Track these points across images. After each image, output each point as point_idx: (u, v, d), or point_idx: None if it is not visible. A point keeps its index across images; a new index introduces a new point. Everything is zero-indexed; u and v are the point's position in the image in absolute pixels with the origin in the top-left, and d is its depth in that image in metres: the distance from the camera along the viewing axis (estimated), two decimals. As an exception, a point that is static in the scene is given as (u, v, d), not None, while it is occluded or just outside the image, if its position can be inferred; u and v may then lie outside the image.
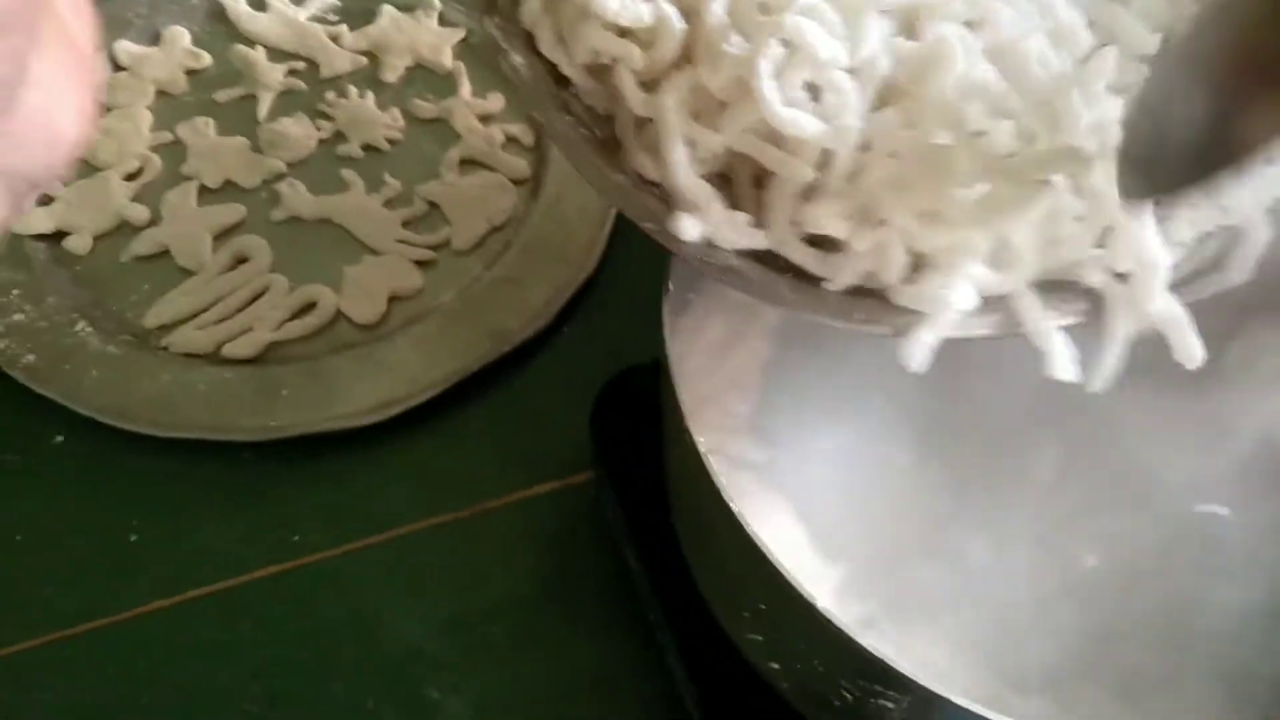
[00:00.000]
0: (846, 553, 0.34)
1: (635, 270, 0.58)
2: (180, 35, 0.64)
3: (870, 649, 0.25)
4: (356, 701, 0.46)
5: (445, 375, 0.52)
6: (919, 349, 0.27)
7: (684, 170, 0.28)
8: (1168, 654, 0.32)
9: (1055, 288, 0.28)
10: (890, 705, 0.28)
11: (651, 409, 0.44)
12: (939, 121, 0.27)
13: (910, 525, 0.33)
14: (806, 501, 0.35)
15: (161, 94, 0.62)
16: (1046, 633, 0.33)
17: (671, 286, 0.33)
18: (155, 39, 0.64)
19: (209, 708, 0.46)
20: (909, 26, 0.28)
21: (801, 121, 0.26)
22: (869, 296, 0.28)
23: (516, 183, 0.60)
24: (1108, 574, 0.34)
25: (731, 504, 0.27)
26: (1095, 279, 0.28)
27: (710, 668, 0.41)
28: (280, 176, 0.59)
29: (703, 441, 0.29)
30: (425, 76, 0.64)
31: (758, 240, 0.29)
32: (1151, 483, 0.35)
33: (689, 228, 0.28)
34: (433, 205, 0.59)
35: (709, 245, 0.29)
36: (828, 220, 0.27)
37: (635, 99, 0.29)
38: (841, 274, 0.28)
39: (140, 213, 0.57)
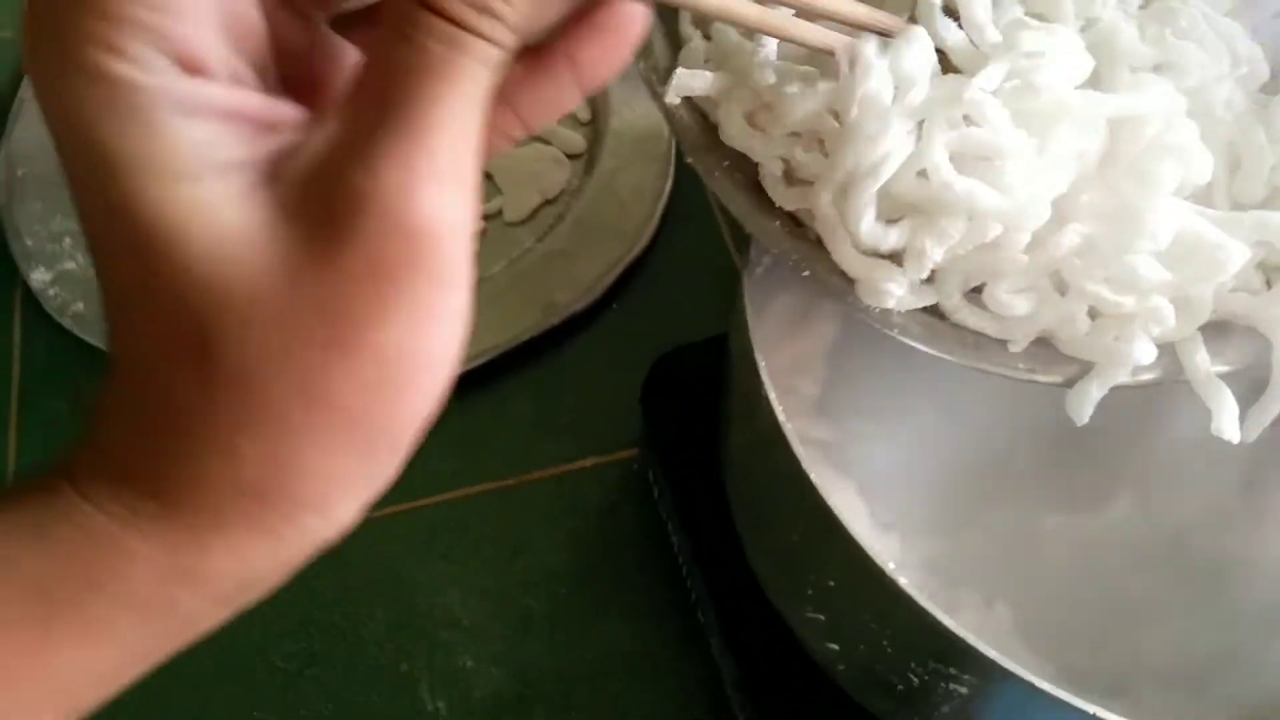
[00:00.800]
0: (904, 535, 0.33)
1: (688, 249, 0.57)
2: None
3: (954, 628, 0.24)
4: (391, 665, 0.46)
5: (493, 345, 0.52)
6: (1087, 402, 0.27)
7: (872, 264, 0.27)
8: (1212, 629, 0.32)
9: (1215, 330, 0.27)
10: (963, 689, 0.27)
11: (702, 388, 0.43)
12: (1133, 181, 0.25)
13: (961, 508, 0.33)
14: (869, 483, 0.35)
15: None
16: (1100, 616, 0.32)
17: (754, 260, 0.32)
18: None
19: (242, 663, 0.45)
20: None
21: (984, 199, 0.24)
22: (1036, 345, 0.27)
23: (571, 157, 0.60)
24: (1143, 545, 0.33)
25: (810, 474, 0.27)
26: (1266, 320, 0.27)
27: (754, 650, 0.41)
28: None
29: (782, 410, 0.28)
30: (482, 46, 0.64)
31: (931, 300, 0.27)
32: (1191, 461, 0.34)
33: (886, 297, 0.27)
34: (486, 175, 0.59)
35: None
36: (1011, 299, 0.26)
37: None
38: (1021, 337, 0.27)
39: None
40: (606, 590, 0.48)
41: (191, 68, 0.15)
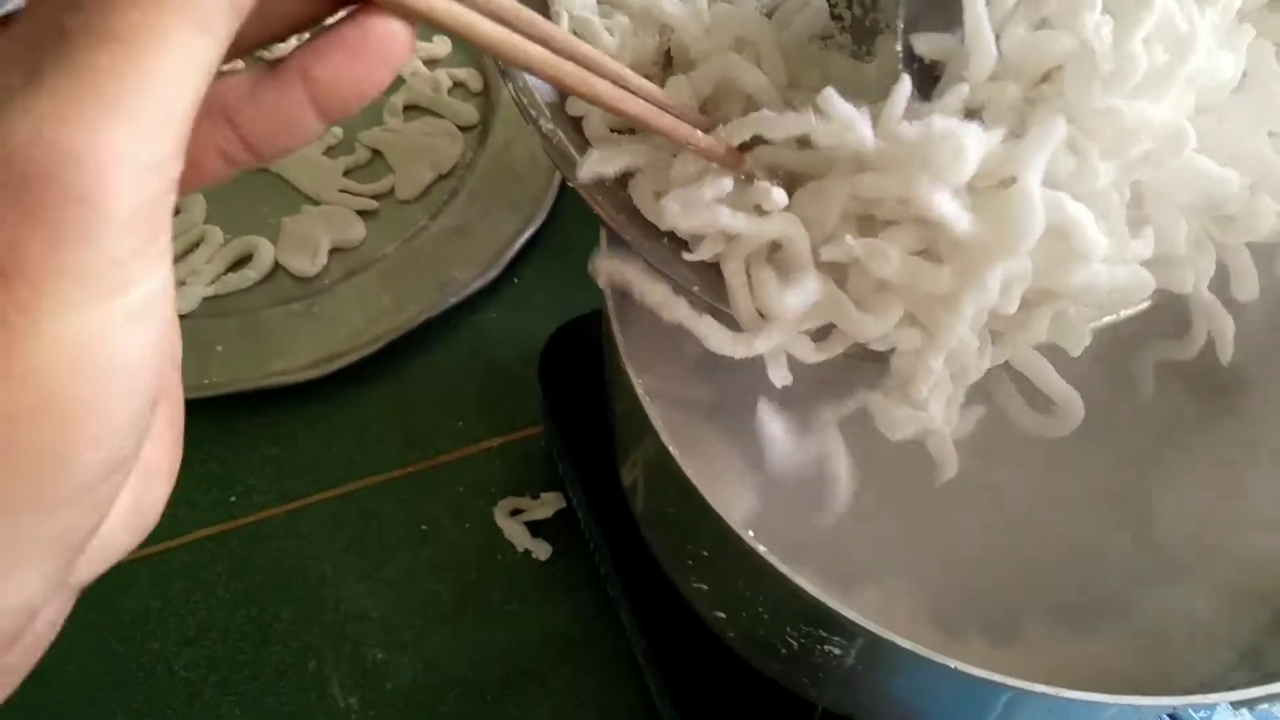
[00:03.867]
0: (790, 499, 0.32)
1: (588, 218, 0.56)
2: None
3: (811, 591, 0.24)
4: (299, 665, 0.45)
5: (390, 328, 0.50)
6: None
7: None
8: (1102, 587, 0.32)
9: None
10: (837, 651, 0.27)
11: (599, 358, 0.42)
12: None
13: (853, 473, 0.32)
14: (751, 445, 0.34)
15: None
16: (977, 569, 0.32)
17: (605, 239, 0.31)
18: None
19: (142, 676, 0.44)
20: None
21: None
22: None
23: (464, 129, 0.58)
24: (1036, 513, 0.33)
25: (670, 446, 0.26)
26: None
27: (660, 620, 0.40)
28: (214, 124, 0.57)
29: (640, 382, 0.27)
30: (367, 19, 0.61)
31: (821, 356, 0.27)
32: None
33: (777, 374, 0.27)
34: (375, 153, 0.57)
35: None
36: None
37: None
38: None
39: (65, 161, 0.54)
40: (518, 570, 0.47)
41: None
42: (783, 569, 0.24)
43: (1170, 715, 0.37)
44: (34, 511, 0.13)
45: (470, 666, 0.45)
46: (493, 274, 0.53)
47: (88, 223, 0.12)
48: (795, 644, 0.28)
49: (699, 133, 0.26)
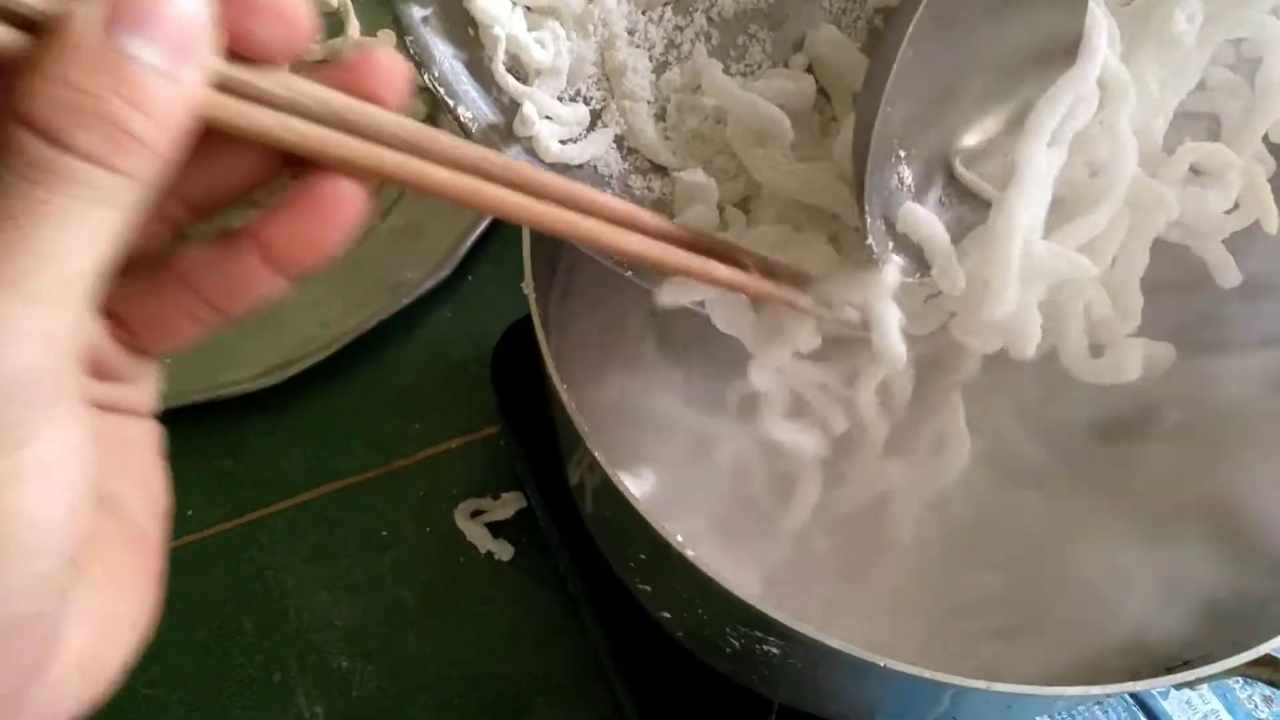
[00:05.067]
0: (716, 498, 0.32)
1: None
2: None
3: (738, 594, 0.23)
4: (264, 676, 0.45)
5: (341, 333, 0.50)
6: None
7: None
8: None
9: None
10: (775, 650, 0.27)
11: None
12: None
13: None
14: (692, 441, 0.33)
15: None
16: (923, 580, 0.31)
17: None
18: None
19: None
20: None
21: None
22: None
23: (411, 126, 0.57)
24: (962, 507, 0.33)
25: (597, 454, 0.26)
26: None
27: (623, 620, 0.40)
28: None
29: (565, 389, 0.27)
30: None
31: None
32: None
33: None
34: (322, 154, 0.56)
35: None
36: None
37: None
38: None
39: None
40: (482, 573, 0.47)
41: None
42: (711, 573, 0.24)
43: (1133, 698, 0.37)
44: None
45: (436, 672, 0.45)
46: (445, 273, 0.52)
47: None
48: (737, 644, 0.28)
49: (719, 266, 0.24)
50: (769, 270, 0.26)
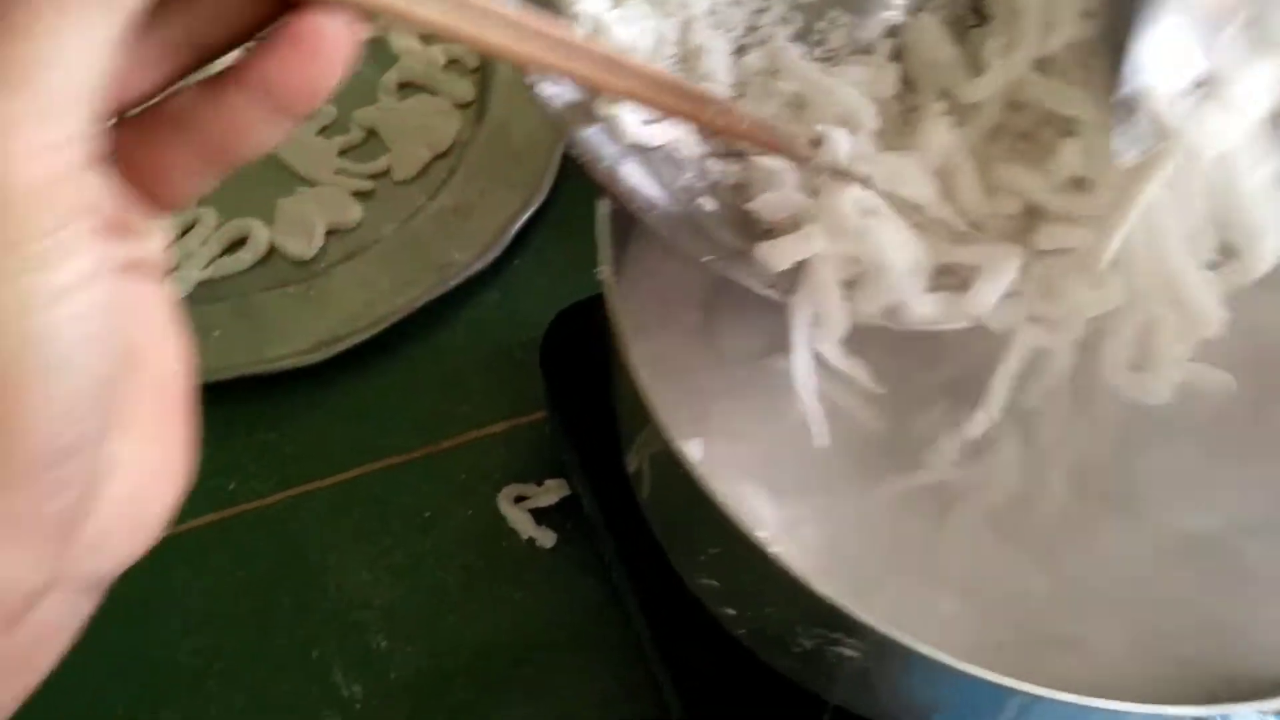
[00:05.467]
0: (800, 487, 0.31)
1: (588, 198, 0.55)
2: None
3: (827, 597, 0.23)
4: (302, 653, 0.45)
5: (388, 311, 0.50)
6: None
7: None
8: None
9: None
10: (850, 653, 0.26)
11: (602, 342, 0.41)
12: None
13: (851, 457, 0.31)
14: (757, 421, 0.33)
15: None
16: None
17: (609, 209, 0.30)
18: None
19: (145, 664, 0.44)
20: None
21: None
22: None
23: (460, 106, 0.56)
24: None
25: (673, 442, 0.25)
26: None
27: (666, 612, 0.39)
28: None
29: (645, 375, 0.26)
30: (362, -9, 0.60)
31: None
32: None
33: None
34: (370, 132, 0.55)
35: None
36: None
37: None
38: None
39: (54, 142, 0.53)
40: (523, 558, 0.47)
41: None
42: (797, 574, 0.23)
43: None
44: None
45: (475, 655, 0.45)
46: (493, 255, 0.52)
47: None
48: (807, 644, 0.28)
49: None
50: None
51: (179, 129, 0.16)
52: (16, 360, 0.13)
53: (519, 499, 0.48)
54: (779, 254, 0.26)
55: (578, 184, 0.55)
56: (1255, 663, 0.29)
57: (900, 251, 0.28)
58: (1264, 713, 0.25)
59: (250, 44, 0.17)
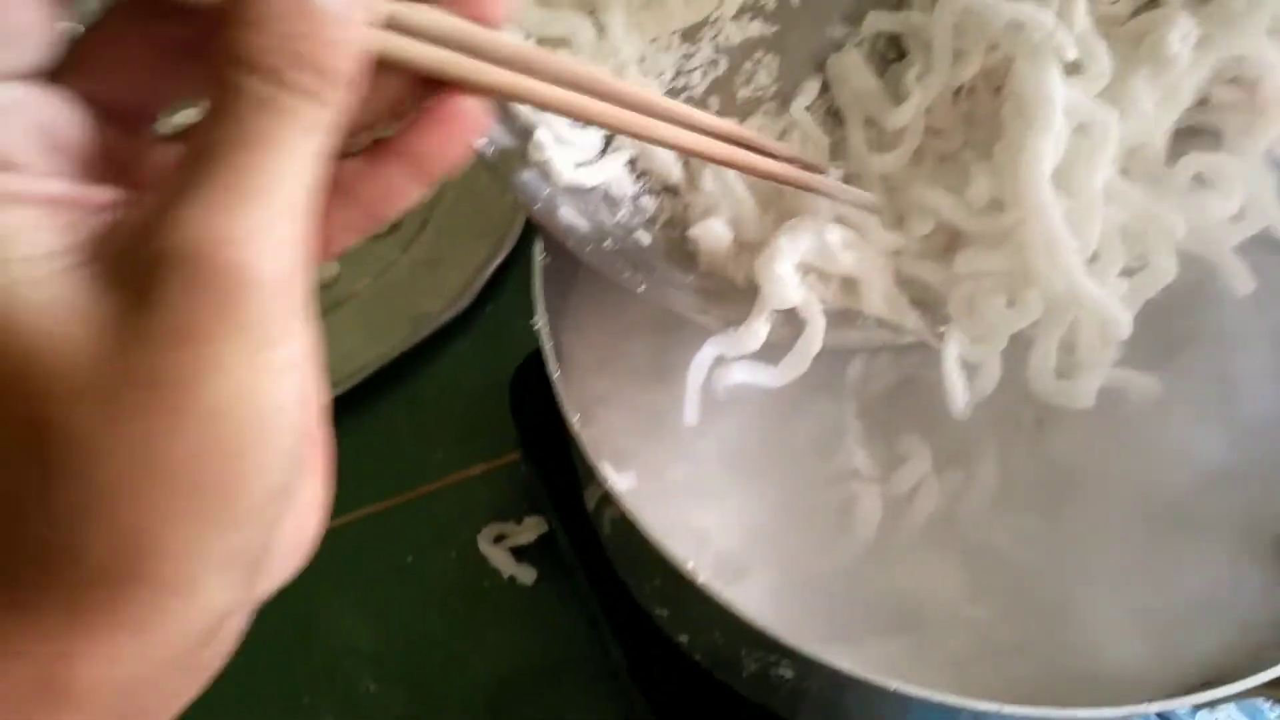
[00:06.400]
0: (740, 510, 0.32)
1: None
2: None
3: (744, 616, 0.24)
4: (291, 700, 0.46)
5: (365, 363, 0.51)
6: None
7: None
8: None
9: None
10: (788, 674, 0.27)
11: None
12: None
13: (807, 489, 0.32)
14: (703, 449, 0.34)
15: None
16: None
17: (546, 256, 0.32)
18: None
19: (140, 719, 0.45)
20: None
21: None
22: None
23: (430, 160, 0.58)
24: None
25: (608, 484, 0.26)
26: None
27: (643, 642, 0.40)
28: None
29: (577, 419, 0.27)
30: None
31: None
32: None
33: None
34: (345, 189, 0.57)
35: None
36: None
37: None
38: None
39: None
40: (505, 597, 0.48)
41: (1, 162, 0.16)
42: (721, 599, 0.24)
43: (1158, 717, 0.37)
44: (218, 528, 0.16)
45: (461, 695, 0.46)
46: (464, 304, 0.53)
47: (242, 290, 0.15)
48: (753, 666, 0.28)
49: (756, 156, 0.28)
50: (794, 160, 0.29)
51: (342, 194, 0.19)
52: (250, 423, 0.16)
53: (499, 538, 0.49)
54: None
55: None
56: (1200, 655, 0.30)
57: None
58: (1199, 706, 0.26)
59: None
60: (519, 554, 0.48)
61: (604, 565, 0.40)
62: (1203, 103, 0.32)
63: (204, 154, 0.16)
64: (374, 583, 0.48)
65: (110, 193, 0.17)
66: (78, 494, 0.15)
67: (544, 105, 0.21)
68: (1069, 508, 0.32)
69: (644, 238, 0.34)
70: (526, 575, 0.48)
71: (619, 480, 0.27)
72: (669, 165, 0.35)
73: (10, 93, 0.16)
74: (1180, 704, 0.26)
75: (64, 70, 0.17)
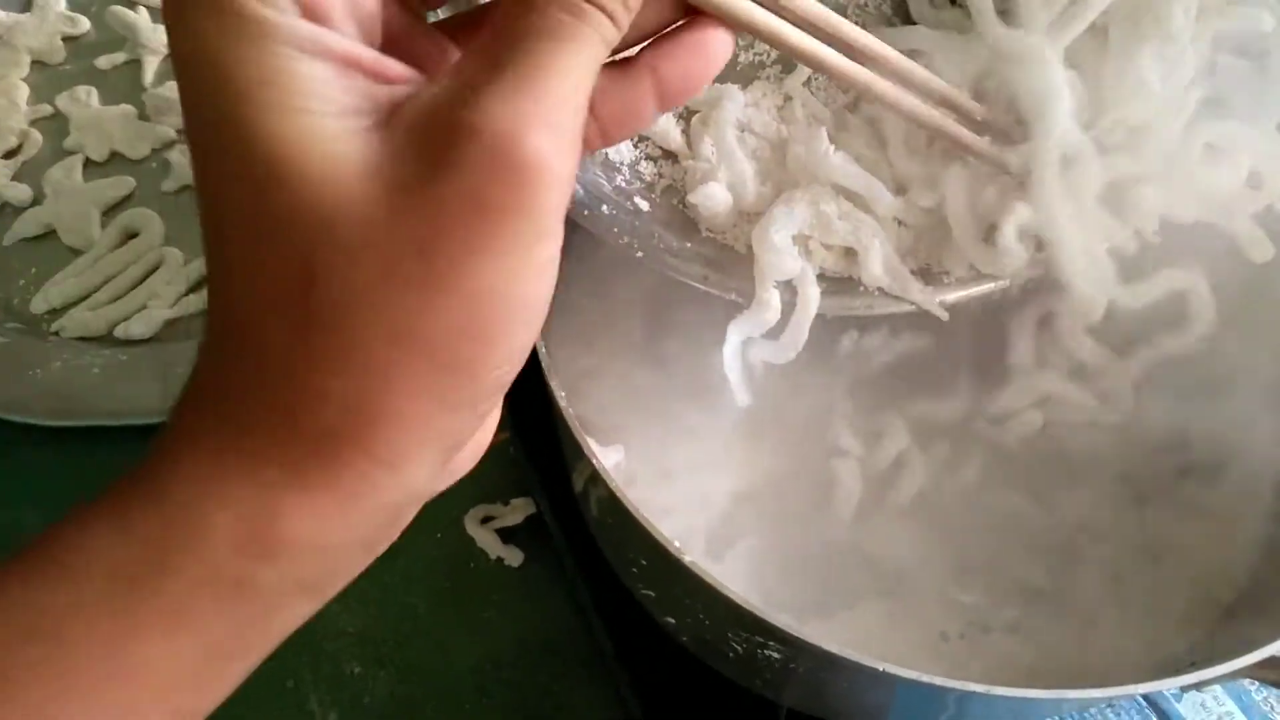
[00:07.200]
0: (735, 490, 0.32)
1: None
2: (55, -1, 0.61)
3: (738, 600, 0.23)
4: (277, 682, 0.45)
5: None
6: None
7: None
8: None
9: None
10: (775, 655, 0.27)
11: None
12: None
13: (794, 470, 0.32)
14: (695, 430, 0.34)
15: (38, 64, 0.59)
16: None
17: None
18: (27, 4, 0.61)
19: (123, 700, 0.44)
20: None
21: None
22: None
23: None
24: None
25: (595, 460, 0.26)
26: None
27: (630, 624, 0.40)
28: (170, 144, 0.56)
29: (563, 396, 0.27)
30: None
31: None
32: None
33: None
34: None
35: None
36: None
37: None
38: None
39: (22, 192, 0.54)
40: (492, 578, 0.47)
41: (313, 15, 0.16)
42: (708, 577, 0.24)
43: (1146, 701, 0.37)
44: (447, 410, 0.16)
45: (447, 676, 0.45)
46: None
47: (538, 176, 0.15)
48: (739, 648, 0.28)
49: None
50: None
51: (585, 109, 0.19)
52: (509, 311, 0.16)
53: (486, 519, 0.48)
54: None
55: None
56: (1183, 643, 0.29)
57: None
58: (1185, 688, 0.26)
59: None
60: (506, 535, 0.48)
61: (592, 548, 0.39)
62: (1210, 71, 0.31)
63: (508, 40, 0.16)
64: (359, 564, 0.48)
65: (400, 67, 0.17)
66: (326, 352, 0.15)
67: (790, 51, 0.21)
68: (1057, 488, 0.32)
69: (643, 204, 0.34)
70: (514, 557, 0.47)
71: (605, 455, 0.27)
72: (668, 131, 0.35)
73: None
74: (1166, 685, 0.26)
75: None
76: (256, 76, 0.15)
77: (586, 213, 0.32)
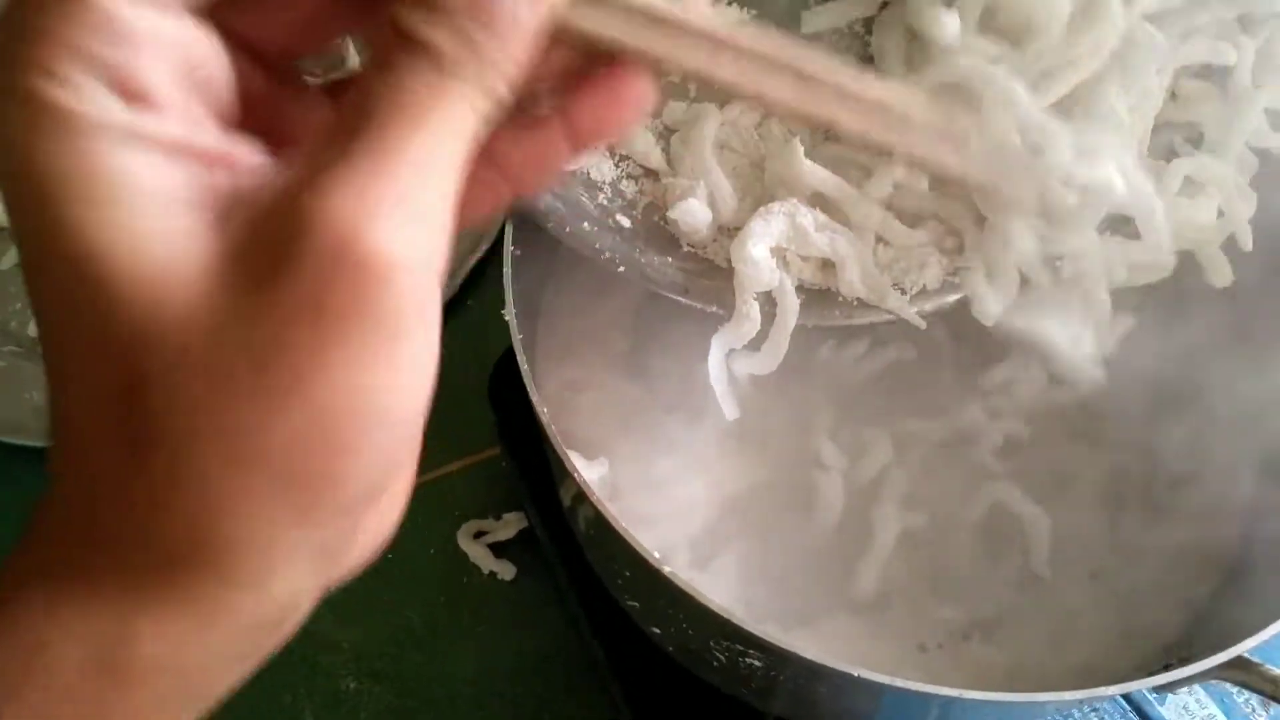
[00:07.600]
0: (713, 499, 0.33)
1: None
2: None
3: (710, 604, 0.24)
4: (273, 699, 0.46)
5: (344, 360, 0.51)
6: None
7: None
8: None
9: None
10: (757, 663, 0.27)
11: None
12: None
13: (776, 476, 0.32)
14: (679, 442, 0.34)
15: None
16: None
17: (518, 249, 0.32)
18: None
19: (120, 718, 0.44)
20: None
21: None
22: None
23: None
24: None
25: (576, 474, 0.26)
26: None
27: (621, 635, 0.40)
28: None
29: (546, 412, 0.27)
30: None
31: None
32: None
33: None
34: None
35: None
36: None
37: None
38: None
39: (18, 217, 0.55)
40: (485, 592, 0.48)
41: (134, 99, 0.14)
42: (688, 588, 0.24)
43: (1128, 703, 0.37)
44: (303, 526, 0.15)
45: (442, 691, 0.46)
46: (445, 298, 0.53)
47: (383, 276, 0.14)
48: (722, 657, 0.28)
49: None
50: None
51: (486, 160, 0.17)
52: (361, 419, 0.14)
53: (478, 534, 0.49)
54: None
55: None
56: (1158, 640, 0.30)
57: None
58: (1159, 689, 0.26)
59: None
60: (498, 550, 0.48)
61: (582, 560, 0.40)
62: (1172, 98, 0.32)
63: (359, 122, 0.15)
64: (353, 580, 0.48)
65: (248, 150, 0.15)
66: (159, 471, 0.14)
67: (723, 87, 0.19)
68: (1041, 498, 0.32)
69: (625, 221, 0.34)
70: (506, 571, 0.48)
71: (589, 468, 0.27)
72: (649, 149, 0.35)
73: (160, 24, 0.15)
74: (1141, 686, 0.27)
75: (220, 3, 0.16)
76: (63, 172, 0.14)
77: (569, 230, 0.32)
